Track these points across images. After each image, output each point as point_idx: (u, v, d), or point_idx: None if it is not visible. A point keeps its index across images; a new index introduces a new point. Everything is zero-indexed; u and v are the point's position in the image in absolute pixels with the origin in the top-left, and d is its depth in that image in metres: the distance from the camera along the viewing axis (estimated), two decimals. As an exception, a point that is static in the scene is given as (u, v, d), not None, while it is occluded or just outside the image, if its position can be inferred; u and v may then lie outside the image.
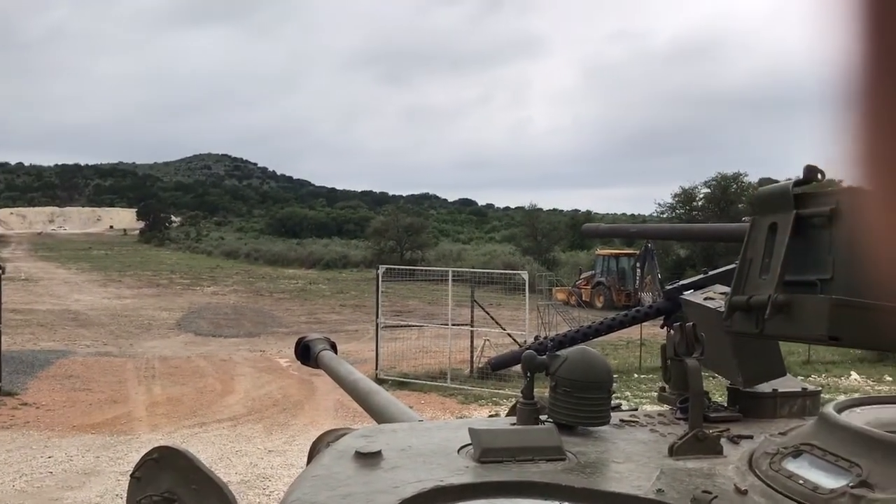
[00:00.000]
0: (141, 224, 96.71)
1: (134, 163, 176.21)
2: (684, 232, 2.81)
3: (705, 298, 2.18)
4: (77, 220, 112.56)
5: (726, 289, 2.15)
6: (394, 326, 20.83)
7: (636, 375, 18.48)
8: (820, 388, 2.23)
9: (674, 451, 1.70)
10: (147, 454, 2.32)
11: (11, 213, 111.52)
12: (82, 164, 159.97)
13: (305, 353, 3.63)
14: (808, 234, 1.12)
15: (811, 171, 1.15)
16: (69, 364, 19.41)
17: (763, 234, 1.20)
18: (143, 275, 50.75)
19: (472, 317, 19.23)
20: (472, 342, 19.13)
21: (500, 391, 16.01)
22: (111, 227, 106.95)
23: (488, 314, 19.27)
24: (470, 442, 1.69)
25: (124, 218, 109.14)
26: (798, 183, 1.16)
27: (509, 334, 18.85)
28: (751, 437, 1.83)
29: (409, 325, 22.09)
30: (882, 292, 1.02)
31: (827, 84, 0.39)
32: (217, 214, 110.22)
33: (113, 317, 30.03)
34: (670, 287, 2.37)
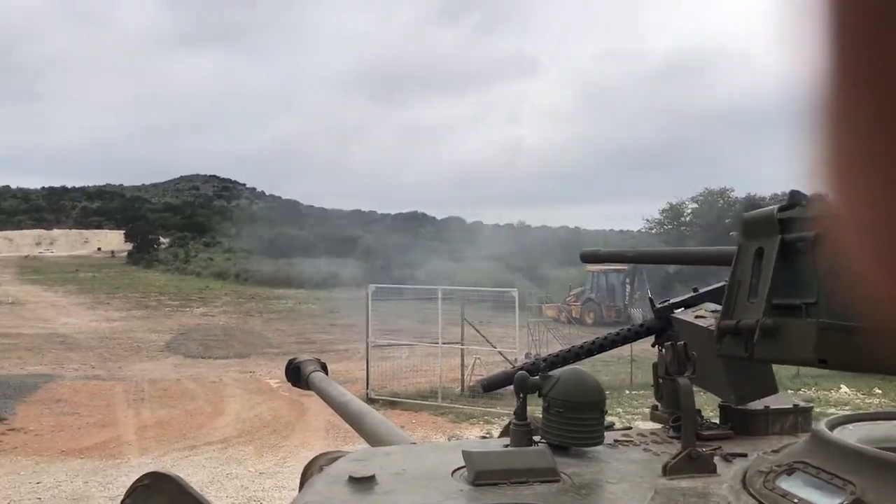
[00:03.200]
0: (129, 246, 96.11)
1: (121, 184, 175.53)
2: (682, 255, 2.78)
3: (696, 317, 2.19)
4: (64, 243, 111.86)
5: (717, 307, 2.15)
6: (384, 346, 20.77)
7: (627, 392, 18.47)
8: (811, 405, 2.24)
9: (667, 471, 1.70)
10: (138, 480, 2.31)
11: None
12: (69, 186, 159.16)
13: (296, 374, 3.62)
14: (793, 258, 1.13)
15: (796, 196, 1.17)
16: (57, 388, 19.25)
17: (750, 259, 1.21)
18: (132, 297, 50.46)
19: (462, 335, 19.19)
20: (462, 360, 19.09)
21: (492, 409, 15.96)
22: (99, 249, 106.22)
23: (479, 332, 19.25)
24: (464, 464, 1.69)
25: (112, 240, 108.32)
26: (783, 208, 1.18)
27: (500, 352, 18.82)
28: (745, 456, 1.83)
29: (400, 344, 22.02)
30: (863, 310, 1.03)
31: (793, 99, 0.40)
32: (206, 235, 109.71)
33: (101, 339, 29.83)
34: (661, 306, 2.37)
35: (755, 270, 1.19)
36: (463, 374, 18.73)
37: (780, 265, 1.14)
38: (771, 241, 1.17)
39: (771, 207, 1.21)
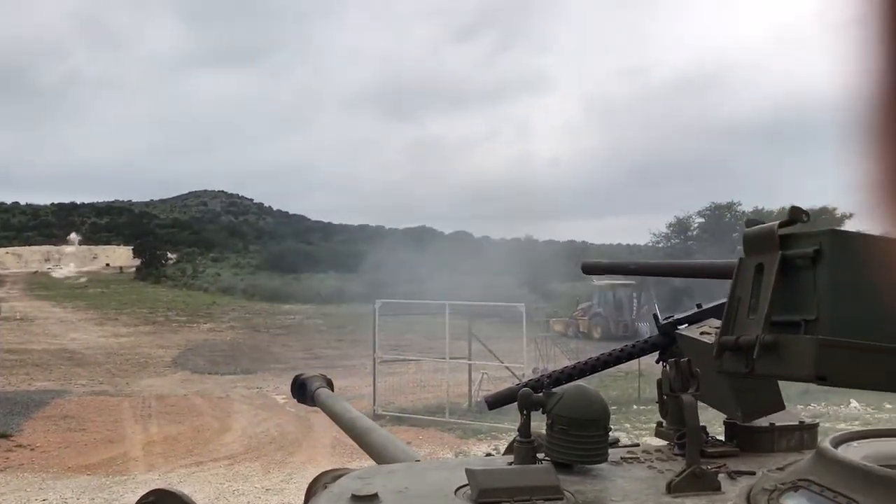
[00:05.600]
0: (137, 261, 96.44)
1: (130, 200, 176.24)
2: (684, 268, 2.77)
3: (701, 333, 2.18)
4: (73, 259, 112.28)
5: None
6: (391, 361, 20.74)
7: (635, 407, 18.40)
8: (817, 422, 2.22)
9: (671, 489, 1.69)
10: (142, 497, 2.30)
11: (7, 253, 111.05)
12: (78, 202, 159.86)
13: (302, 391, 3.62)
14: (793, 274, 1.13)
15: (796, 213, 1.17)
16: (65, 404, 19.28)
17: (750, 275, 1.21)
18: (140, 312, 50.57)
19: (469, 350, 19.16)
20: (469, 376, 19.04)
21: (500, 425, 15.89)
22: (107, 265, 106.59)
23: (486, 347, 19.21)
24: (467, 483, 1.68)
25: (121, 255, 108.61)
26: (783, 224, 1.18)
27: (507, 367, 18.77)
28: (751, 474, 1.82)
29: (407, 360, 22.00)
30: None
31: (848, 111, 0.39)
32: (213, 251, 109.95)
33: (109, 355, 29.88)
34: (665, 321, 2.37)
35: (755, 286, 1.19)
36: (470, 390, 18.69)
37: (779, 281, 1.14)
38: (771, 257, 1.17)
39: (772, 223, 1.21)
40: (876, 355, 1.05)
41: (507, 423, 15.46)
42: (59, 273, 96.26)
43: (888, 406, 18.37)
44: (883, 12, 0.38)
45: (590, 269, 2.92)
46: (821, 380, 1.04)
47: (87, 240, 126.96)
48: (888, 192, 0.42)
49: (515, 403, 2.07)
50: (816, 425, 2.20)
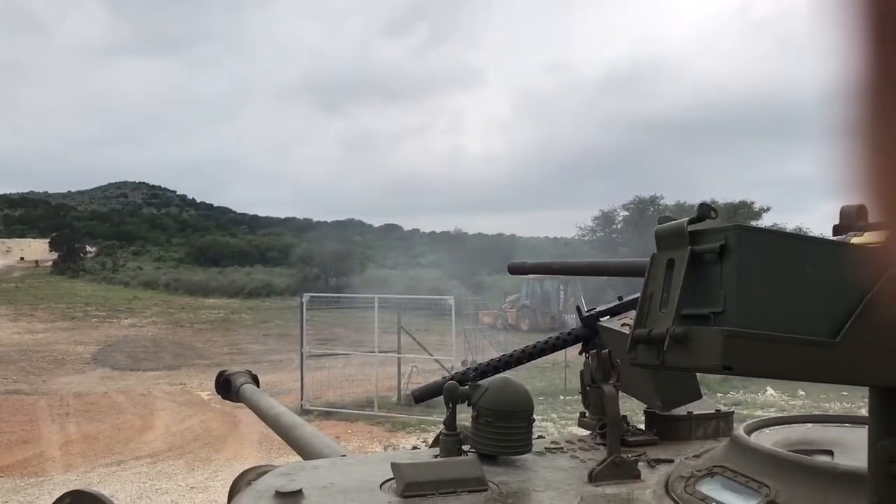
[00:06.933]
0: (54, 255, 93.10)
1: (46, 192, 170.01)
2: (604, 267, 2.89)
3: (622, 325, 2.23)
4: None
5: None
6: (319, 355, 20.57)
7: (562, 397, 18.65)
8: (732, 410, 2.31)
9: (593, 478, 1.73)
10: (59, 499, 2.24)
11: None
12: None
13: (226, 387, 3.57)
14: (701, 269, 1.17)
15: (705, 210, 1.21)
16: (-24, 404, 18.51)
17: (662, 270, 1.25)
18: (57, 308, 48.83)
19: (398, 343, 19.14)
20: (399, 369, 19.04)
21: (428, 418, 15.94)
22: (22, 258, 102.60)
23: (415, 340, 19.21)
24: (393, 476, 1.68)
25: (36, 249, 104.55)
26: (692, 220, 1.22)
27: (436, 360, 18.83)
28: (670, 461, 1.88)
29: (335, 354, 21.85)
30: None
31: (831, 109, 0.39)
32: (134, 244, 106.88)
33: (24, 352, 28.81)
34: (587, 314, 2.42)
35: (666, 281, 1.23)
36: (399, 383, 18.68)
37: (689, 276, 1.18)
38: (681, 252, 1.21)
39: (682, 220, 1.25)
40: (780, 345, 1.10)
41: (437, 416, 15.53)
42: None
43: (801, 393, 19.13)
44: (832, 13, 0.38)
45: (516, 270, 3.02)
46: (727, 369, 1.08)
47: (0, 232, 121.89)
48: (879, 191, 0.42)
49: (442, 396, 2.08)
50: (732, 413, 2.28)
